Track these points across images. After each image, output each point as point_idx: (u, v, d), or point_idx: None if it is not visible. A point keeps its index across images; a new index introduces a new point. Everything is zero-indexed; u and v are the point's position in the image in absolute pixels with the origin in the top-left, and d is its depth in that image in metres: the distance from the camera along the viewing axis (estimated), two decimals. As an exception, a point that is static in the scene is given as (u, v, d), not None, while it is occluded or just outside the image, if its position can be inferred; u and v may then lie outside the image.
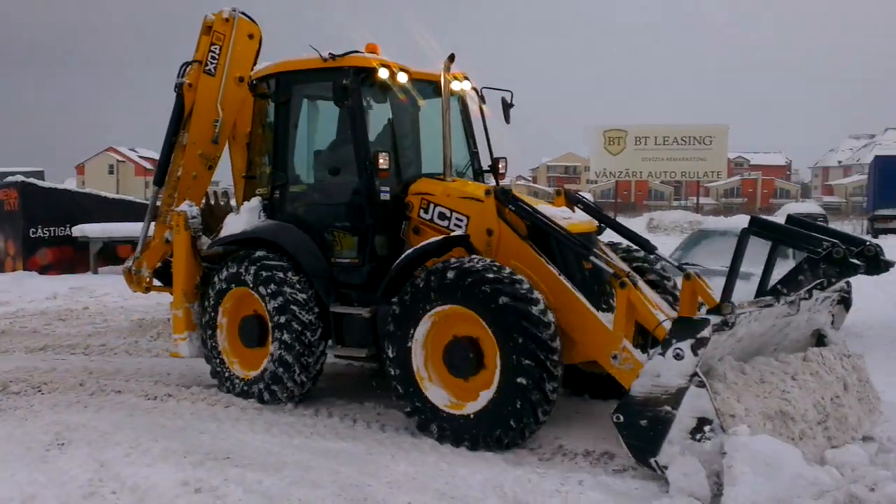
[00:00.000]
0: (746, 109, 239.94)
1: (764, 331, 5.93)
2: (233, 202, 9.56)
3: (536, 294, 6.20)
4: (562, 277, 6.49)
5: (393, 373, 6.77)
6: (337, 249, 7.68)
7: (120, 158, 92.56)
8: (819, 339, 6.62)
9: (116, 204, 21.55)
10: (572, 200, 7.73)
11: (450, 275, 6.37)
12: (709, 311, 5.44)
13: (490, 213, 6.88)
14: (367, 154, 7.37)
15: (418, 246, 6.90)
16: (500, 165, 8.40)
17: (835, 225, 44.72)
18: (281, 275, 7.53)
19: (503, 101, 8.22)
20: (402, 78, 7.67)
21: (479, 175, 8.46)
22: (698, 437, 5.18)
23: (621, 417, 5.52)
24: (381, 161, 7.22)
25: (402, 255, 6.94)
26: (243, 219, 8.05)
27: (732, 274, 5.57)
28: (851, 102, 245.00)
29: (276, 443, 6.51)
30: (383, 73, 7.44)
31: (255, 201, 8.11)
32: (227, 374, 8.01)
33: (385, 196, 7.44)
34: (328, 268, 7.62)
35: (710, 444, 5.12)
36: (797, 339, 6.42)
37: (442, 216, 7.22)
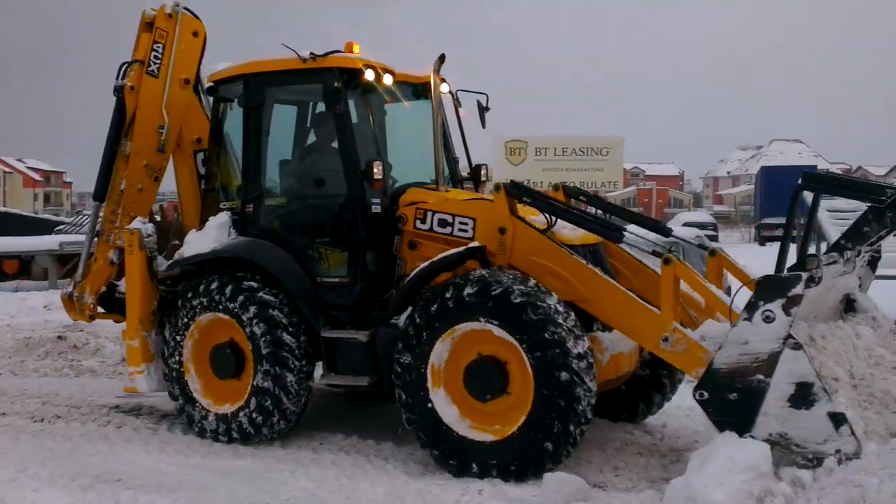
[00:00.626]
0: (642, 122, 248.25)
1: (819, 293, 5.47)
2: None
3: (578, 326, 5.76)
4: (591, 266, 6.05)
5: (404, 399, 6.17)
6: (323, 268, 6.99)
7: (6, 169, 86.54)
8: (848, 304, 6.13)
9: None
10: (571, 195, 7.28)
11: (481, 290, 5.84)
12: (791, 268, 5.09)
13: (502, 211, 6.33)
14: (357, 163, 6.72)
15: (438, 258, 6.29)
16: (482, 172, 7.90)
17: (724, 233, 46.72)
18: (263, 297, 6.79)
19: (479, 104, 7.75)
20: (388, 80, 7.07)
21: (458, 183, 7.91)
22: (799, 404, 4.80)
23: (705, 394, 5.16)
24: (375, 171, 6.60)
25: (417, 270, 6.32)
26: (211, 236, 7.24)
27: (787, 233, 5.30)
28: (740, 115, 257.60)
29: (172, 463, 6.41)
30: (370, 75, 6.82)
31: (224, 216, 7.32)
32: (195, 410, 7.16)
33: (376, 209, 6.81)
34: (313, 288, 6.92)
35: (815, 411, 4.76)
36: (832, 304, 5.96)
37: (443, 223, 6.63)
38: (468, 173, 7.93)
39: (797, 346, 4.84)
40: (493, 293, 5.77)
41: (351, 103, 7.05)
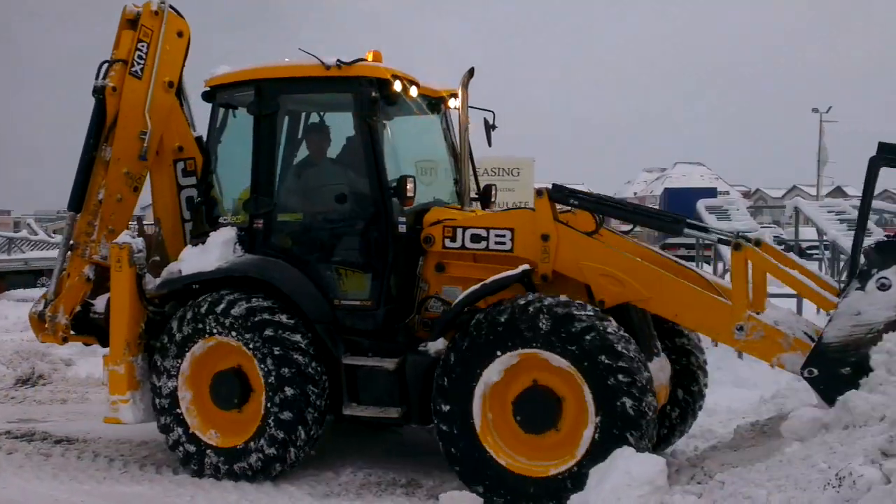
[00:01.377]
0: (551, 144, 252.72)
1: None
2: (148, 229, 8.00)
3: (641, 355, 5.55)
4: (648, 264, 5.87)
5: (446, 432, 5.77)
6: (342, 290, 6.52)
7: None
8: None
9: None
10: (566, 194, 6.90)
11: (536, 316, 5.54)
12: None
13: (545, 217, 6.06)
14: (385, 179, 6.30)
15: (491, 280, 5.92)
16: (491, 192, 7.59)
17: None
18: (278, 320, 6.26)
19: (485, 121, 7.46)
20: (414, 92, 6.69)
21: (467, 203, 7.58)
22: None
23: (814, 371, 5.02)
24: (408, 187, 6.20)
25: (468, 292, 5.94)
26: (214, 253, 6.64)
27: (865, 208, 5.24)
28: (645, 138, 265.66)
29: (65, 489, 6.20)
30: (398, 86, 6.43)
31: (230, 232, 6.73)
32: (192, 445, 6.52)
33: (402, 228, 6.40)
34: (331, 311, 6.43)
35: None
36: None
37: (476, 238, 6.28)
38: (476, 193, 7.61)
39: None
40: (552, 319, 5.49)
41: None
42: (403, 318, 6.47)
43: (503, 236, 6.21)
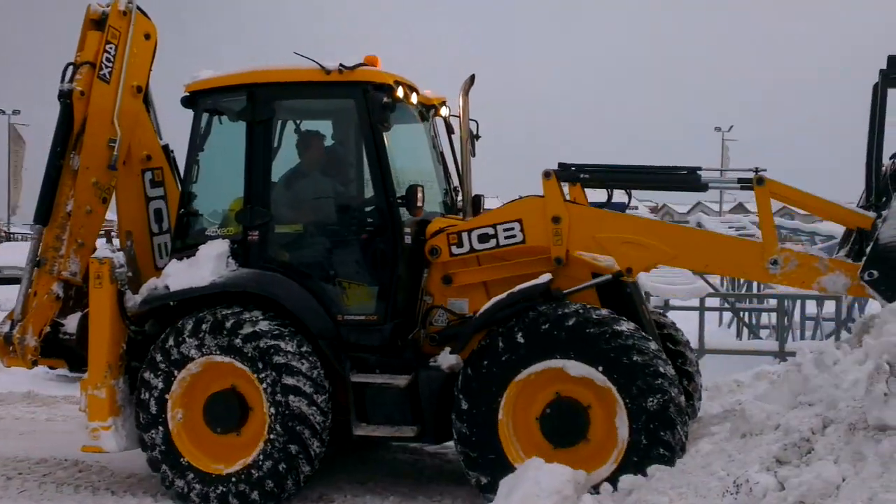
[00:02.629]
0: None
1: None
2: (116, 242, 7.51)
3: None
4: (664, 221, 5.90)
5: (471, 454, 5.60)
6: (346, 305, 6.24)
7: None
8: None
9: None
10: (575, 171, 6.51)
11: (567, 324, 5.46)
12: None
13: (555, 199, 5.93)
14: (392, 188, 6.08)
15: (517, 289, 5.75)
16: (481, 203, 7.44)
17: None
18: (279, 337, 5.93)
19: (469, 131, 7.28)
20: (415, 99, 6.49)
21: (457, 215, 7.40)
22: None
23: (874, 273, 5.06)
24: (419, 197, 6.00)
25: (493, 302, 5.77)
26: (206, 267, 6.25)
27: (877, 131, 5.32)
28: (556, 154, 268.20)
29: None
30: (401, 93, 6.23)
31: (222, 245, 6.34)
32: (181, 471, 6.11)
33: (408, 239, 6.18)
34: (335, 327, 6.14)
35: None
36: None
37: (484, 238, 6.06)
38: (462, 204, 7.44)
39: None
40: (591, 331, 5.41)
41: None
42: (409, 333, 6.25)
43: (512, 229, 6.01)
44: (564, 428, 5.56)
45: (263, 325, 5.93)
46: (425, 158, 7.02)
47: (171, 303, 6.35)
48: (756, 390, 6.26)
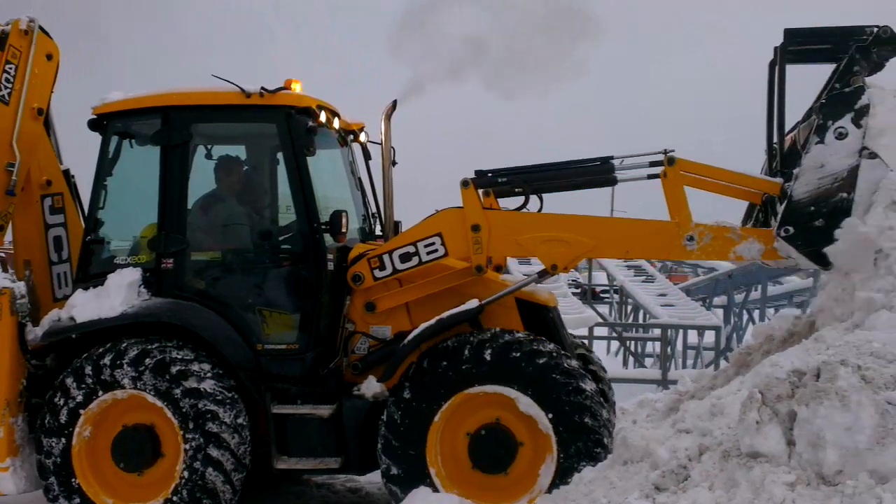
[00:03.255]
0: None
1: None
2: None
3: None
4: (580, 215, 5.91)
5: (398, 487, 5.51)
6: (266, 334, 6.06)
7: None
8: None
9: None
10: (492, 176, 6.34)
11: (491, 352, 5.48)
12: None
13: (474, 207, 5.90)
14: (317, 214, 5.98)
15: (446, 315, 5.71)
16: (400, 229, 7.38)
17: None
18: (196, 368, 5.70)
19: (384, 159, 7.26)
20: (337, 124, 6.43)
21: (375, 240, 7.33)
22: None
23: (790, 229, 5.17)
24: (343, 222, 5.92)
25: (420, 330, 5.71)
26: (117, 297, 5.94)
27: (777, 109, 5.47)
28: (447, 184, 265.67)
29: None
30: (323, 117, 6.16)
31: (132, 273, 6.05)
32: (69, 492, 5.79)
33: (330, 266, 6.08)
34: (254, 357, 5.95)
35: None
36: None
37: (406, 257, 5.97)
38: (382, 229, 7.36)
39: (873, 155, 4.96)
40: (517, 356, 5.45)
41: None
42: (330, 362, 6.12)
43: (433, 243, 5.95)
44: (491, 454, 5.55)
45: (174, 354, 5.70)
46: (344, 184, 6.94)
47: (74, 335, 6.01)
48: (638, 417, 6.35)
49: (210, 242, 6.24)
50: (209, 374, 5.70)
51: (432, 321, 5.69)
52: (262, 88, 5.96)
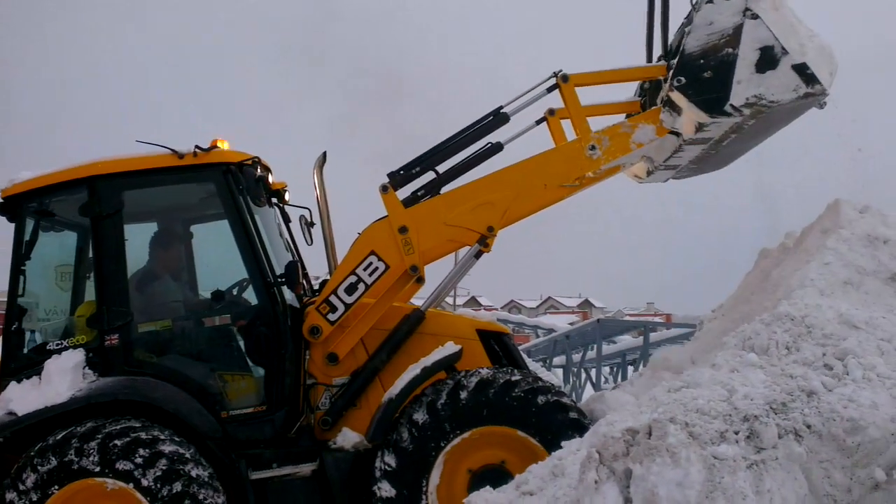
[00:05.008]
0: None
1: None
2: None
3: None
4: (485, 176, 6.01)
5: None
6: (229, 399, 5.72)
7: None
8: None
9: None
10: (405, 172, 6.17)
11: (470, 394, 5.40)
12: None
13: (397, 211, 5.90)
14: (273, 267, 5.78)
15: (432, 362, 5.59)
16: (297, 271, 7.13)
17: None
18: (150, 433, 5.21)
19: (302, 219, 7.05)
20: (272, 179, 6.29)
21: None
22: (765, 66, 5.38)
23: (682, 79, 5.51)
24: (300, 273, 5.79)
25: (407, 384, 5.53)
26: (62, 382, 5.40)
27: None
28: None
29: None
30: (262, 172, 6.03)
31: (74, 355, 5.53)
32: None
33: (286, 321, 5.85)
34: (220, 426, 5.57)
35: (781, 68, 5.40)
36: None
37: (351, 288, 5.80)
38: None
39: (755, 16, 5.45)
40: (518, 395, 5.40)
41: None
42: (296, 422, 5.83)
43: (371, 263, 5.85)
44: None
45: (140, 433, 5.21)
46: (278, 243, 6.68)
47: (3, 436, 5.40)
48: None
49: (157, 311, 5.85)
50: (178, 447, 5.24)
51: (416, 370, 5.56)
52: (197, 147, 5.76)
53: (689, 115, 5.63)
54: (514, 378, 5.44)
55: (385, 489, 5.33)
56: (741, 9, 5.54)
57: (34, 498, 5.13)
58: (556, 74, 5.99)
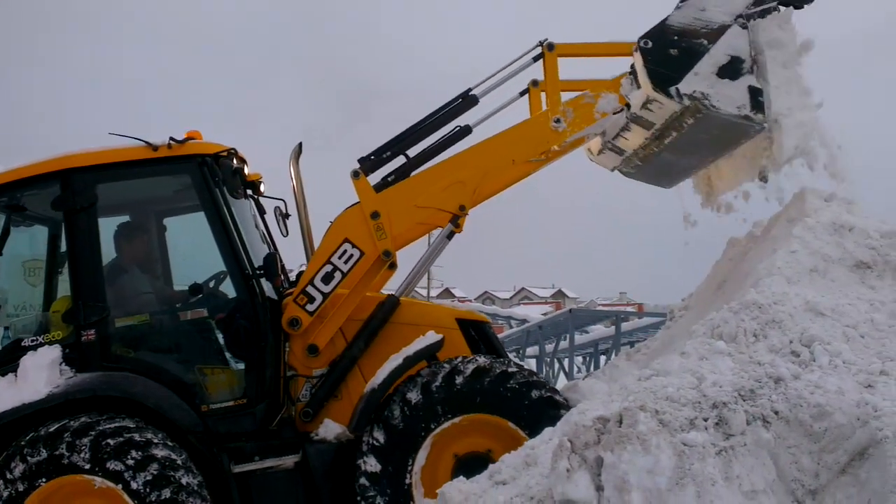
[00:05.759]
0: None
1: None
2: None
3: None
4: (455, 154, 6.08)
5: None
6: (209, 393, 5.74)
7: None
8: None
9: None
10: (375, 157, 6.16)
11: (466, 380, 5.44)
12: None
13: (368, 196, 5.94)
14: (251, 259, 5.80)
15: (413, 352, 5.59)
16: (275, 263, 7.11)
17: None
18: (144, 436, 5.19)
19: (277, 210, 7.02)
20: (247, 170, 6.30)
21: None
22: (726, 74, 5.42)
23: (650, 43, 5.51)
24: (278, 265, 5.80)
25: (389, 373, 5.53)
26: (38, 379, 5.37)
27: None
28: None
29: None
30: (238, 163, 6.05)
31: (51, 352, 5.51)
32: None
33: (266, 314, 5.87)
34: (200, 420, 5.59)
35: (739, 83, 5.44)
36: None
37: (327, 277, 5.84)
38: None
39: (744, 26, 5.50)
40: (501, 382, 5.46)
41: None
42: (277, 414, 5.86)
43: (345, 251, 5.89)
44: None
45: (120, 426, 5.19)
46: (254, 235, 6.68)
47: None
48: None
49: (134, 305, 5.85)
50: (159, 442, 5.24)
51: (398, 360, 5.58)
52: (171, 139, 5.75)
53: (641, 83, 5.65)
54: (510, 370, 5.49)
55: (371, 464, 5.37)
56: (735, 13, 5.60)
57: (20, 488, 5.10)
58: (541, 43, 6.07)
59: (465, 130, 6.12)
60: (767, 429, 3.88)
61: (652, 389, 4.18)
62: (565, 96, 6.15)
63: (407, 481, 5.37)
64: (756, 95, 5.47)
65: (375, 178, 6.13)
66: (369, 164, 6.03)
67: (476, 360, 5.56)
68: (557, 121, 5.98)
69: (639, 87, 5.69)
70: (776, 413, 3.92)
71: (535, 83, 6.12)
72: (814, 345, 4.31)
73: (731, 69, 5.48)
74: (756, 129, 5.51)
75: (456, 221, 6.01)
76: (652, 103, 5.62)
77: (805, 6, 5.81)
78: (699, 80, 5.45)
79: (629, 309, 36.19)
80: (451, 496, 4.44)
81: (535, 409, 5.36)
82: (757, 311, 4.61)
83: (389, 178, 6.08)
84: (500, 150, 6.02)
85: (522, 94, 6.18)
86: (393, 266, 5.99)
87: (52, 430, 5.14)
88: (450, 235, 6.05)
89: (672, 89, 5.42)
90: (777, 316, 4.56)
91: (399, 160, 6.15)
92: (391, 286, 6.31)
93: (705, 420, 3.91)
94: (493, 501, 4.25)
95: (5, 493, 5.11)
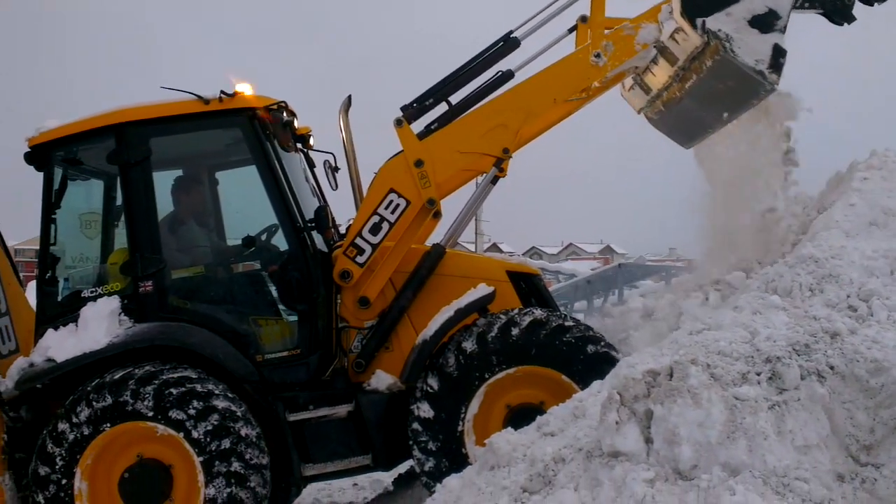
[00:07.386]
0: None
1: None
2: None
3: None
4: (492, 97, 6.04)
5: (431, 466, 5.42)
6: (264, 343, 5.84)
7: None
8: None
9: None
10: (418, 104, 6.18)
11: (522, 332, 5.44)
12: None
13: (412, 144, 5.92)
14: (301, 211, 5.85)
15: (464, 304, 5.61)
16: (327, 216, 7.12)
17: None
18: (205, 387, 5.33)
19: (327, 164, 7.03)
20: (297, 123, 6.33)
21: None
22: (757, 24, 5.35)
23: None
24: (330, 218, 5.84)
25: (440, 326, 5.56)
26: (98, 329, 5.53)
27: None
28: None
29: None
30: (288, 117, 6.06)
31: (110, 302, 5.65)
32: None
33: (318, 267, 5.93)
34: (255, 370, 5.70)
35: (767, 37, 5.37)
36: None
37: (375, 228, 5.86)
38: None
39: None
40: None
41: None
42: (330, 365, 5.94)
43: (391, 201, 5.89)
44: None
45: (175, 375, 5.31)
46: (305, 189, 6.73)
47: (43, 383, 5.54)
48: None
49: (189, 258, 5.95)
50: (217, 390, 5.35)
51: (450, 312, 5.60)
52: (222, 92, 5.77)
53: (674, 7, 5.59)
54: (567, 323, 5.50)
55: (424, 409, 5.44)
56: None
57: (86, 431, 5.27)
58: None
59: (507, 75, 6.07)
60: (822, 384, 3.84)
61: (703, 343, 4.15)
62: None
63: (459, 428, 5.43)
64: (778, 56, 5.39)
65: (418, 126, 6.10)
66: (412, 111, 6.02)
67: (532, 312, 5.56)
68: (598, 55, 5.89)
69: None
70: (831, 368, 3.87)
71: (584, 19, 6.05)
72: (872, 299, 4.24)
73: (764, 21, 5.38)
74: (766, 88, 5.45)
75: (500, 165, 5.98)
76: (679, 33, 5.56)
77: (876, 4, 5.76)
78: (729, 21, 5.36)
79: (679, 265, 35.74)
80: (498, 446, 4.49)
81: (590, 363, 5.35)
82: (813, 265, 4.55)
83: (432, 126, 6.06)
84: (540, 89, 5.97)
85: (571, 30, 6.10)
86: (438, 215, 5.99)
87: (117, 377, 5.28)
88: (494, 180, 6.03)
89: (699, 20, 5.37)
90: (834, 270, 4.48)
91: (442, 108, 6.11)
92: (436, 238, 6.32)
93: (758, 374, 3.87)
94: (541, 453, 4.29)
95: (71, 436, 5.28)
